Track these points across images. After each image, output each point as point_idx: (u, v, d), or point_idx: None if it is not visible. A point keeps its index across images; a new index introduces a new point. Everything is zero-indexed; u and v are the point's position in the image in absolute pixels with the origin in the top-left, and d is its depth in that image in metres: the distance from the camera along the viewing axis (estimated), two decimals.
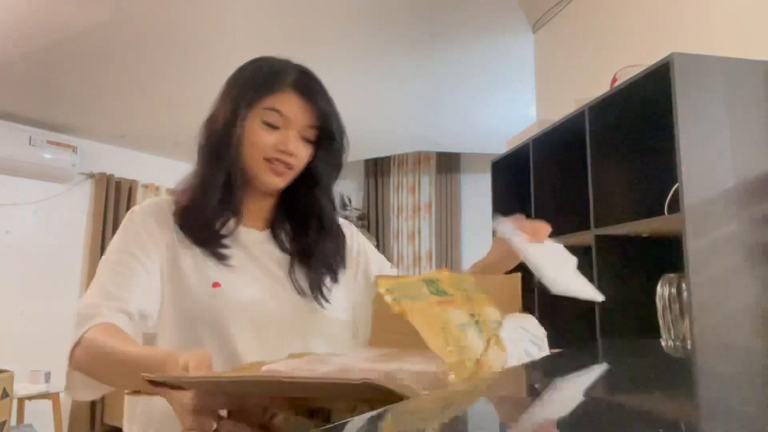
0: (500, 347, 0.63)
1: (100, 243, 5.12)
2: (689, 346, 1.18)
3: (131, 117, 4.73)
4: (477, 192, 5.86)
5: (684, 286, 1.49)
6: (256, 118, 0.96)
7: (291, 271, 0.99)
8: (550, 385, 0.60)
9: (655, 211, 1.74)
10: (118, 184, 5.33)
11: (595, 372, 0.75)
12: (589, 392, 0.57)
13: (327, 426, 0.39)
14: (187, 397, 0.60)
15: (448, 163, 6.19)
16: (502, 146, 2.80)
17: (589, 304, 1.89)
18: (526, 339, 0.70)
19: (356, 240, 1.12)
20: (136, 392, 0.71)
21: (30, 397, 4.06)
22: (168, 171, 5.04)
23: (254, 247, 1.00)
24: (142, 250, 0.93)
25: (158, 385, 0.60)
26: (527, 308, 0.80)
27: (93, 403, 4.87)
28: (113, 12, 3.09)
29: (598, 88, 1.99)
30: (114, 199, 5.26)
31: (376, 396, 0.49)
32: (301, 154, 0.98)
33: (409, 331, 0.58)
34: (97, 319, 0.84)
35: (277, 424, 0.59)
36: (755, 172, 1.55)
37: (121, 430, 0.99)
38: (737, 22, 1.89)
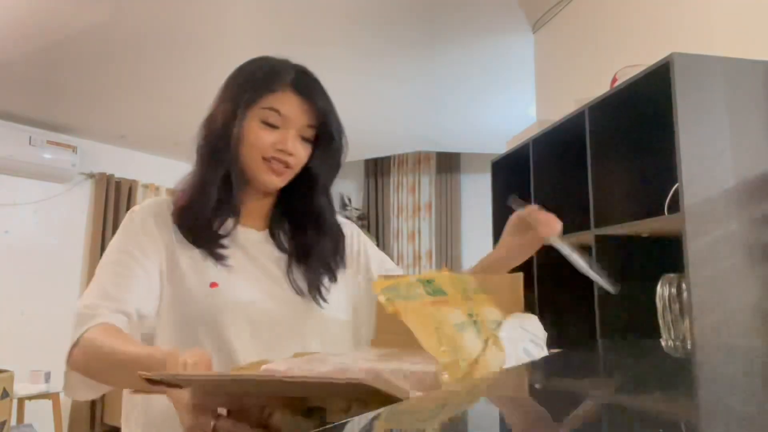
0: (498, 347, 0.63)
1: (100, 243, 5.11)
2: (689, 346, 1.18)
3: (131, 117, 4.73)
4: (477, 192, 5.87)
5: (684, 286, 1.49)
6: (254, 118, 0.96)
7: (289, 271, 0.99)
8: (549, 386, 0.60)
9: (655, 211, 1.74)
10: (118, 184, 5.33)
11: (595, 372, 0.75)
12: (588, 392, 0.57)
13: (327, 426, 0.39)
14: (185, 395, 0.61)
15: (448, 163, 6.19)
16: (502, 146, 2.80)
17: (589, 304, 1.90)
18: (526, 339, 0.70)
19: (357, 239, 1.12)
20: (139, 391, 0.71)
21: (30, 397, 4.06)
22: (168, 171, 5.04)
23: (252, 247, 1.00)
24: (141, 250, 0.93)
25: (155, 383, 0.61)
26: (529, 308, 0.80)
27: (93, 403, 4.87)
28: (113, 12, 3.09)
29: (598, 88, 1.99)
30: (114, 199, 5.26)
31: (367, 396, 0.49)
32: (300, 154, 0.98)
33: (411, 331, 0.58)
34: (96, 319, 0.84)
35: (274, 423, 0.59)
36: (755, 172, 1.55)
37: (120, 430, 0.99)
38: (737, 22, 1.89)
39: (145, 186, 5.57)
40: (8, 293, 4.59)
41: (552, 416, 0.44)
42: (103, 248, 5.08)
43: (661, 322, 1.58)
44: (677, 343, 1.44)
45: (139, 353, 0.77)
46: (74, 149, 4.88)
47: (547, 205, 2.53)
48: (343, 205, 6.15)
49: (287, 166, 0.97)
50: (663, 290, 1.56)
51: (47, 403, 4.11)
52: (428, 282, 0.66)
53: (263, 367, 0.64)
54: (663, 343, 1.33)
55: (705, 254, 1.47)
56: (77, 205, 5.14)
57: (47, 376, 4.16)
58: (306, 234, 1.03)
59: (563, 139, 2.23)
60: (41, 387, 4.12)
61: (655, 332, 1.60)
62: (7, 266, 4.62)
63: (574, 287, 2.10)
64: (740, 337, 1.45)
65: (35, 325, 4.59)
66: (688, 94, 1.53)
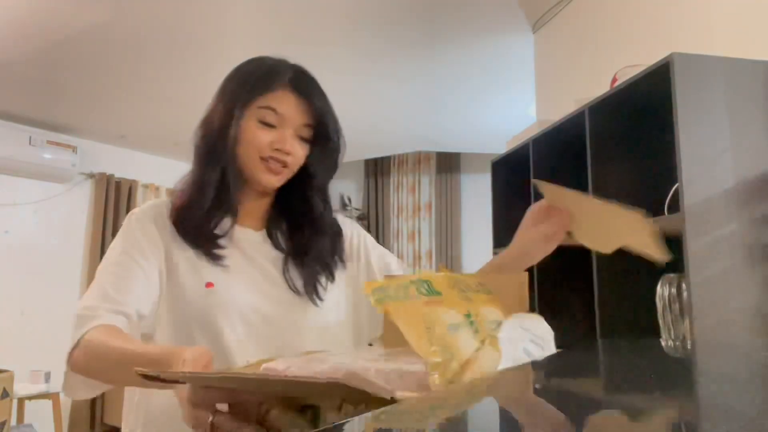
0: (494, 348, 0.63)
1: (100, 243, 5.11)
2: (689, 346, 1.18)
3: (131, 117, 4.73)
4: (477, 192, 5.87)
5: (684, 286, 1.49)
6: (252, 117, 0.96)
7: (285, 271, 0.99)
8: (540, 386, 0.60)
9: (655, 211, 1.74)
10: (118, 184, 5.33)
11: (591, 372, 0.75)
12: (588, 392, 0.57)
13: (328, 426, 0.39)
14: (185, 390, 0.62)
15: (448, 163, 6.19)
16: (502, 146, 2.80)
17: (589, 304, 1.90)
18: (527, 339, 0.69)
19: (357, 238, 1.11)
20: (149, 384, 0.72)
21: (30, 397, 4.06)
22: (168, 171, 5.03)
23: (249, 247, 1.00)
24: (140, 252, 0.94)
25: (151, 379, 0.62)
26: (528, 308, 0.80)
27: (93, 403, 4.87)
28: (113, 12, 3.09)
29: (598, 88, 1.99)
30: (114, 199, 5.26)
31: (353, 395, 0.50)
32: (298, 153, 0.98)
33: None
34: (96, 321, 0.84)
35: (270, 420, 0.60)
36: (755, 172, 1.55)
37: (120, 430, 0.99)
38: (737, 22, 1.89)
39: (145, 186, 5.57)
40: (8, 293, 4.58)
41: (548, 416, 0.44)
42: (103, 248, 5.08)
43: (661, 322, 1.58)
44: (677, 343, 1.44)
45: (143, 351, 0.78)
46: (74, 149, 4.88)
47: None
48: (343, 205, 6.16)
49: (285, 165, 0.97)
50: (663, 290, 1.56)
51: (47, 403, 4.11)
52: (423, 282, 0.65)
53: (263, 365, 0.64)
54: (663, 343, 1.33)
55: (705, 254, 1.47)
56: (77, 205, 5.14)
57: (47, 376, 4.16)
58: (303, 233, 1.03)
59: (563, 139, 2.23)
60: (41, 387, 4.12)
61: (655, 332, 1.60)
62: (7, 266, 4.62)
63: (574, 287, 2.10)
64: (740, 337, 1.45)
65: (35, 325, 4.59)
66: (688, 94, 1.53)
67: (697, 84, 1.55)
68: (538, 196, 2.44)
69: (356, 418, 0.43)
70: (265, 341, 0.93)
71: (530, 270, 2.38)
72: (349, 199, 6.32)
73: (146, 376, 0.62)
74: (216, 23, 3.29)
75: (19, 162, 4.58)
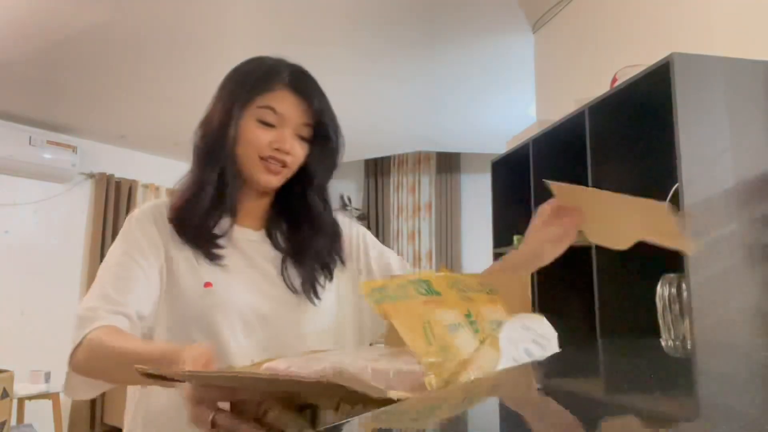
0: (494, 348, 0.63)
1: (100, 243, 5.11)
2: (689, 346, 1.18)
3: (131, 117, 4.73)
4: (477, 192, 5.87)
5: (684, 286, 1.49)
6: (251, 117, 0.96)
7: (284, 270, 0.99)
8: (546, 386, 0.60)
9: None
10: (118, 184, 5.33)
11: (595, 372, 0.75)
12: (587, 392, 0.57)
13: (327, 427, 0.39)
14: (187, 388, 0.62)
15: (448, 163, 6.19)
16: (502, 146, 2.80)
17: (589, 304, 1.90)
18: (528, 339, 0.69)
19: (357, 238, 1.11)
20: (154, 382, 0.72)
21: (30, 397, 4.06)
22: (168, 171, 5.03)
23: (248, 247, 1.00)
24: (140, 253, 0.94)
25: (152, 377, 0.63)
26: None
27: (93, 403, 4.87)
28: (113, 12, 3.09)
29: (598, 88, 1.99)
30: (114, 199, 5.26)
31: (349, 394, 0.50)
32: (297, 153, 0.98)
33: None
34: (97, 321, 0.85)
35: (270, 419, 0.60)
36: (755, 172, 1.55)
37: (120, 430, 0.99)
38: (737, 22, 1.89)
39: (145, 186, 5.57)
40: (8, 293, 4.58)
41: (546, 416, 0.44)
42: (103, 248, 5.08)
43: (661, 322, 1.58)
44: (677, 343, 1.44)
45: (145, 350, 0.78)
46: (74, 149, 4.88)
47: None
48: (343, 205, 6.16)
49: (284, 165, 0.97)
50: (663, 290, 1.56)
51: (47, 403, 4.11)
52: (422, 282, 0.65)
53: (264, 365, 0.64)
54: (663, 343, 1.33)
55: (705, 254, 1.47)
56: (77, 205, 5.14)
57: (47, 376, 4.16)
58: (302, 233, 1.03)
59: (563, 139, 2.23)
60: (41, 387, 4.12)
61: (655, 332, 1.60)
62: (7, 266, 4.62)
63: (574, 287, 2.10)
64: (740, 337, 1.45)
65: (35, 325, 4.59)
66: (688, 94, 1.53)
67: (697, 84, 1.55)
68: (538, 196, 2.44)
69: (356, 419, 0.43)
70: (263, 341, 0.93)
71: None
72: (349, 199, 6.32)
73: (147, 375, 0.62)
74: (216, 23, 3.29)
75: (19, 162, 4.58)
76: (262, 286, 0.97)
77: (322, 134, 1.00)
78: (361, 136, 5.23)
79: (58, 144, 4.77)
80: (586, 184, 1.93)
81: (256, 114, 0.96)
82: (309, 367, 0.61)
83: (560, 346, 0.71)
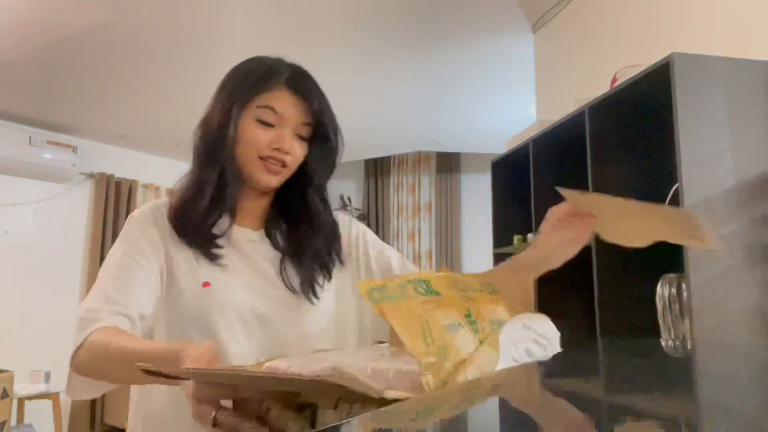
0: (493, 348, 0.63)
1: (100, 243, 5.11)
2: (689, 346, 1.18)
3: (131, 117, 4.73)
4: (477, 192, 5.87)
5: (684, 286, 1.49)
6: (250, 117, 0.96)
7: (282, 270, 0.99)
8: (545, 386, 0.60)
9: None
10: (118, 184, 5.33)
11: (594, 372, 0.75)
12: (586, 393, 0.57)
13: (328, 427, 0.39)
14: (189, 386, 0.63)
15: (448, 163, 6.19)
16: (502, 146, 2.80)
17: (589, 304, 1.90)
18: (530, 339, 0.69)
19: (355, 234, 1.10)
20: (162, 382, 0.73)
21: (30, 397, 4.06)
22: (168, 171, 5.03)
23: (247, 247, 1.00)
24: (141, 253, 0.94)
25: (154, 375, 0.63)
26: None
27: (93, 403, 4.87)
28: (113, 12, 3.09)
29: (598, 88, 1.99)
30: (114, 199, 5.26)
31: (348, 393, 0.50)
32: (296, 152, 0.98)
33: None
34: (99, 323, 0.85)
35: (271, 417, 0.61)
36: (755, 172, 1.55)
37: (120, 430, 1.00)
38: (737, 22, 1.89)
39: (145, 186, 5.57)
40: (8, 293, 4.58)
41: (544, 417, 0.44)
42: (103, 248, 5.08)
43: (661, 322, 1.58)
44: (677, 343, 1.44)
45: (149, 349, 0.79)
46: (74, 149, 4.87)
47: (547, 206, 2.51)
48: (343, 205, 6.16)
49: (284, 165, 0.97)
50: (663, 290, 1.56)
51: (47, 403, 4.11)
52: (421, 282, 0.65)
53: (266, 364, 0.65)
54: (663, 343, 1.33)
55: (705, 254, 1.47)
56: (77, 205, 5.14)
57: (47, 376, 4.16)
58: (300, 232, 1.03)
59: (563, 139, 2.23)
60: (41, 387, 4.12)
61: (655, 332, 1.60)
62: (7, 266, 4.62)
63: (574, 287, 2.10)
64: (740, 337, 1.45)
65: (35, 325, 4.59)
66: (688, 94, 1.53)
67: (697, 84, 1.55)
68: (538, 196, 2.44)
69: (355, 419, 0.43)
70: (261, 341, 0.93)
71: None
72: (349, 199, 6.32)
73: (149, 372, 0.63)
74: (216, 23, 3.29)
75: (19, 162, 4.57)
76: (261, 286, 0.97)
77: (322, 134, 1.00)
78: (361, 136, 5.22)
79: (58, 144, 4.77)
80: (586, 184, 1.93)
81: (255, 114, 0.96)
82: (309, 366, 0.61)
83: (561, 346, 0.71)
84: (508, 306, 0.74)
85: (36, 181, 4.81)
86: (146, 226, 0.97)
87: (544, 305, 2.17)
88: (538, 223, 2.36)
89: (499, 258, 2.74)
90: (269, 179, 0.98)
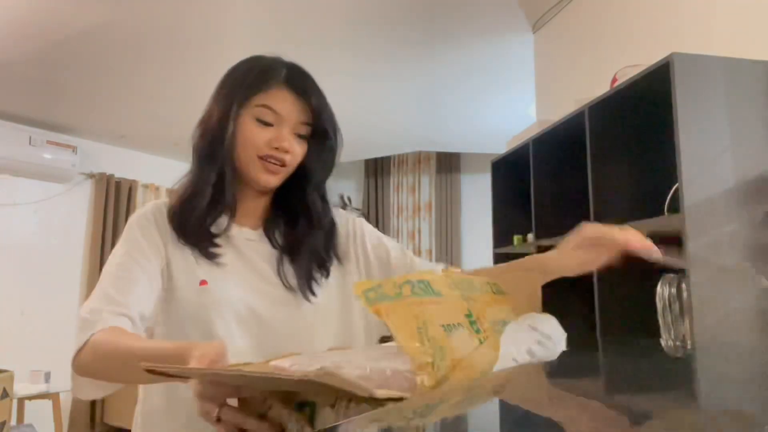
0: (493, 348, 0.62)
1: (100, 243, 5.11)
2: (689, 346, 1.18)
3: (131, 117, 4.73)
4: (477, 192, 5.87)
5: (684, 286, 1.49)
6: (249, 116, 0.96)
7: (280, 268, 0.99)
8: (544, 386, 0.60)
9: (655, 211, 1.74)
10: (118, 184, 5.33)
11: (594, 372, 0.75)
12: (587, 393, 0.56)
13: (328, 427, 0.39)
14: (195, 385, 0.64)
15: (448, 163, 6.19)
16: (502, 146, 2.80)
17: (589, 304, 1.90)
18: (533, 340, 0.69)
19: (353, 230, 1.10)
20: (171, 378, 0.73)
21: (30, 397, 4.06)
22: (168, 171, 5.03)
23: (246, 246, 1.00)
24: (141, 254, 0.94)
25: (158, 374, 0.64)
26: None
27: (93, 403, 4.87)
28: (113, 12, 3.09)
29: (598, 88, 1.99)
30: (114, 199, 5.25)
31: (345, 391, 0.51)
32: (296, 151, 0.98)
33: None
34: (100, 324, 0.85)
35: (272, 415, 0.61)
36: (755, 172, 1.55)
37: (120, 430, 1.00)
38: (737, 22, 1.89)
39: (145, 186, 5.57)
40: (8, 293, 4.58)
41: (541, 416, 0.44)
42: (103, 248, 5.08)
43: (661, 322, 1.58)
44: (677, 343, 1.44)
45: (155, 348, 0.79)
46: (74, 149, 4.87)
47: (547, 205, 2.53)
48: (343, 205, 6.16)
49: (283, 164, 0.97)
50: (663, 290, 1.56)
51: (47, 403, 4.11)
52: (420, 282, 0.65)
53: (272, 363, 0.65)
54: (663, 343, 1.33)
55: (705, 254, 1.47)
56: (77, 205, 5.14)
57: (47, 376, 4.16)
58: (299, 230, 1.03)
59: (563, 139, 2.23)
60: (41, 387, 4.12)
61: (655, 332, 1.60)
62: (7, 266, 4.62)
63: (574, 287, 2.10)
64: (740, 337, 1.45)
65: (35, 325, 4.59)
66: (688, 94, 1.53)
67: (697, 84, 1.55)
68: (538, 196, 2.43)
69: (354, 418, 0.43)
70: (259, 339, 0.93)
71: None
72: (349, 199, 6.32)
73: (152, 371, 0.64)
74: (216, 23, 3.28)
75: (19, 162, 4.57)
76: (259, 285, 0.97)
77: (321, 132, 1.00)
78: (361, 136, 5.22)
79: (58, 144, 4.77)
80: (586, 184, 1.93)
81: (254, 113, 0.96)
82: (311, 365, 0.61)
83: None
84: (515, 306, 0.74)
85: (36, 181, 4.81)
86: (147, 227, 0.97)
87: (544, 305, 2.17)
88: (538, 223, 2.36)
89: (499, 258, 2.74)
90: (268, 179, 0.98)
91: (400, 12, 3.22)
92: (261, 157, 0.96)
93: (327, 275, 1.02)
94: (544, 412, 0.46)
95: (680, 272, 1.53)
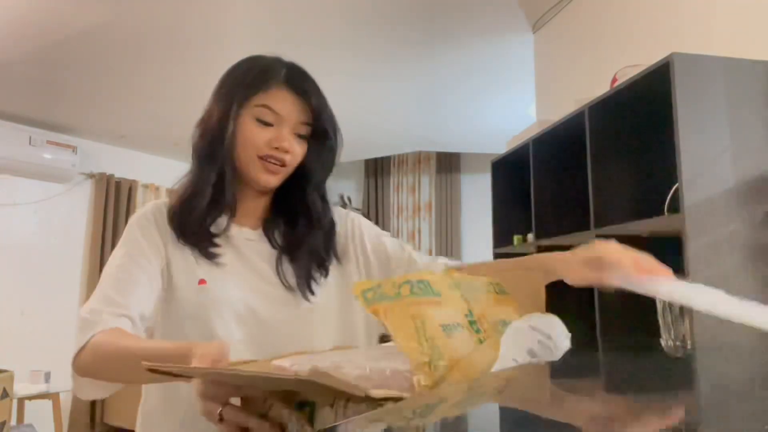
0: (493, 348, 0.62)
1: (100, 243, 5.11)
2: (689, 346, 1.18)
3: (131, 117, 4.73)
4: (477, 192, 5.86)
5: None
6: (249, 116, 0.96)
7: (279, 268, 0.99)
8: (543, 386, 0.60)
9: (655, 211, 1.74)
10: (118, 184, 5.33)
11: (594, 372, 0.75)
12: (586, 392, 0.56)
13: (328, 427, 0.39)
14: (197, 384, 0.65)
15: (448, 163, 6.19)
16: (502, 146, 2.80)
17: (589, 304, 1.90)
18: (534, 340, 0.69)
19: (350, 226, 1.10)
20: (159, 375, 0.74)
21: (30, 397, 4.06)
22: (168, 171, 5.02)
23: (245, 246, 1.00)
24: (141, 254, 0.94)
25: (159, 373, 0.65)
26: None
27: (93, 403, 4.86)
28: (113, 12, 3.09)
29: (598, 88, 1.99)
30: (114, 199, 5.25)
31: (335, 391, 0.51)
32: (296, 151, 0.98)
33: None
34: (101, 325, 0.85)
35: (273, 415, 0.61)
36: (755, 172, 1.55)
37: (120, 430, 1.00)
38: (737, 22, 1.89)
39: (145, 186, 5.57)
40: (8, 293, 4.58)
41: (540, 416, 0.44)
42: (103, 248, 5.08)
43: (661, 322, 1.57)
44: (677, 343, 1.43)
45: (157, 348, 0.79)
46: (74, 149, 4.87)
47: (547, 205, 2.53)
48: (343, 205, 6.16)
49: (283, 164, 0.97)
50: None
51: (47, 403, 4.11)
52: (419, 282, 0.65)
53: (273, 362, 0.65)
54: (663, 343, 1.33)
55: (705, 254, 1.47)
56: (77, 205, 5.14)
57: (47, 376, 4.16)
58: (298, 230, 1.02)
59: (563, 139, 2.23)
60: (41, 387, 4.12)
61: (655, 332, 1.60)
62: (7, 266, 4.62)
63: (574, 288, 2.10)
64: (740, 337, 1.44)
65: (35, 325, 4.59)
66: (688, 94, 1.53)
67: (697, 84, 1.55)
68: (538, 196, 2.43)
69: (354, 418, 0.43)
70: (258, 339, 0.93)
71: None
72: (349, 199, 6.32)
73: (153, 371, 0.64)
74: (216, 23, 3.28)
75: (19, 162, 4.57)
76: (258, 285, 0.97)
77: (321, 132, 1.00)
78: (361, 136, 5.22)
79: (58, 144, 4.77)
80: (586, 184, 1.93)
81: (253, 113, 0.96)
82: (311, 365, 0.62)
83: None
84: (518, 306, 0.74)
85: (36, 181, 4.81)
86: (147, 227, 0.97)
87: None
88: (538, 223, 2.36)
89: (499, 258, 2.74)
90: (268, 179, 0.97)
91: (400, 12, 3.22)
92: (261, 157, 0.96)
93: (326, 274, 1.02)
94: (544, 412, 0.46)
95: (680, 272, 1.53)
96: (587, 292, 1.88)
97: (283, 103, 0.96)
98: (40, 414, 4.11)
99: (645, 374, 0.66)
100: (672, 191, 1.64)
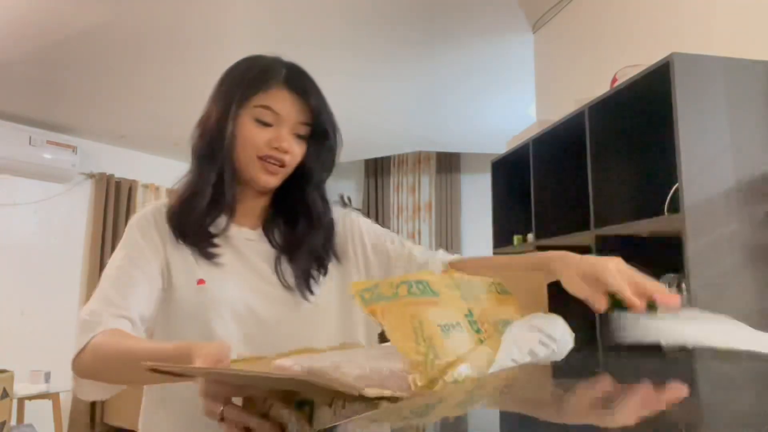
0: (492, 348, 0.62)
1: (100, 243, 5.11)
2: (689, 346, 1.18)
3: (131, 117, 4.73)
4: (477, 192, 5.86)
5: (684, 286, 1.49)
6: (248, 116, 0.96)
7: (278, 267, 0.99)
8: (542, 386, 0.60)
9: (655, 211, 1.74)
10: (118, 184, 5.33)
11: (593, 372, 0.74)
12: (585, 392, 0.56)
13: (328, 427, 0.40)
14: (200, 384, 0.65)
15: (448, 163, 6.19)
16: (502, 146, 2.80)
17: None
18: (535, 340, 0.69)
19: (349, 225, 1.10)
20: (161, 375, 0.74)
21: (30, 397, 4.06)
22: (168, 171, 5.02)
23: (244, 246, 1.00)
24: (141, 255, 0.94)
25: (160, 374, 0.65)
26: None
27: (93, 403, 4.86)
28: (113, 12, 3.09)
29: (598, 88, 1.99)
30: (114, 199, 5.25)
31: (333, 390, 0.52)
32: (295, 152, 0.98)
33: None
34: (101, 326, 0.86)
35: (274, 414, 0.62)
36: (755, 172, 1.55)
37: (120, 430, 1.00)
38: (737, 22, 1.89)
39: (145, 186, 5.57)
40: (8, 293, 4.58)
41: (539, 417, 0.44)
42: (103, 248, 5.08)
43: None
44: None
45: (157, 348, 0.79)
46: (74, 149, 4.87)
47: (547, 205, 2.53)
48: (343, 205, 6.15)
49: (282, 164, 0.97)
50: None
51: (47, 403, 4.11)
52: (418, 282, 0.65)
53: (275, 362, 0.65)
54: (663, 343, 1.33)
55: (705, 254, 1.47)
56: (77, 205, 5.14)
57: (47, 376, 4.16)
58: (298, 229, 1.02)
59: (563, 139, 2.23)
60: (41, 387, 4.12)
61: None
62: (7, 266, 4.62)
63: None
64: None
65: (35, 325, 4.59)
66: (688, 94, 1.53)
67: (697, 84, 1.55)
68: (538, 196, 2.42)
69: (355, 418, 0.43)
70: (257, 339, 0.93)
71: None
72: (349, 199, 6.26)
73: (154, 371, 0.65)
74: (216, 23, 3.28)
75: (19, 162, 4.57)
76: (258, 285, 0.97)
77: (320, 132, 1.00)
78: (361, 136, 5.22)
79: (58, 144, 4.77)
80: (586, 184, 1.93)
81: (253, 113, 0.96)
82: (311, 365, 0.62)
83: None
84: (520, 306, 0.74)
85: (36, 181, 4.81)
86: (146, 228, 0.97)
87: None
88: (538, 223, 2.36)
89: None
90: (268, 179, 0.97)
91: (400, 12, 3.22)
92: (260, 158, 0.96)
93: (325, 273, 1.02)
94: (544, 413, 0.46)
95: (680, 272, 1.53)
96: None
97: (282, 104, 0.96)
98: (40, 414, 4.11)
99: (645, 374, 0.66)
100: (672, 191, 1.64)
